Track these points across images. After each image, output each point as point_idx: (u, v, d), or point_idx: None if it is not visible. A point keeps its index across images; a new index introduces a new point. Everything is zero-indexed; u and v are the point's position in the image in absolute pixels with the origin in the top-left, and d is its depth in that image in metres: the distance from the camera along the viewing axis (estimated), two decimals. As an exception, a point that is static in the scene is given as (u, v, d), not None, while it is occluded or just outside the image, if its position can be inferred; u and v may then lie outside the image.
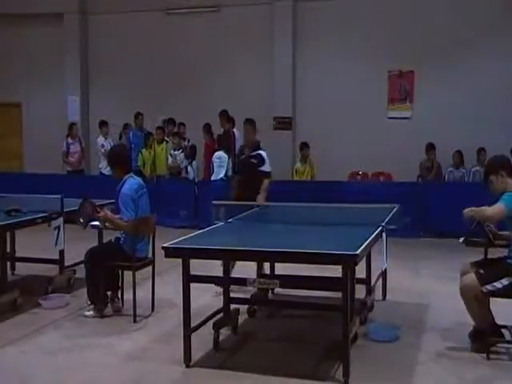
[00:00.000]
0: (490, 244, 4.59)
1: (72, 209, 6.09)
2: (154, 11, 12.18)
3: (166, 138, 10.87)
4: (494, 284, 4.32)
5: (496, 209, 4.29)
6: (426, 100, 10.89)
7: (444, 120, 10.62)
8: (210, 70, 11.92)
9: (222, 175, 9.44)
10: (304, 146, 10.54)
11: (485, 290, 4.33)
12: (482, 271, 4.43)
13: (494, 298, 4.41)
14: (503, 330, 4.60)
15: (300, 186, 10.39)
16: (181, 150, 10.55)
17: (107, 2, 12.53)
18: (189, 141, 10.98)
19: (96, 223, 5.44)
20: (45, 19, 12.71)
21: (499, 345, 4.52)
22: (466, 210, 4.39)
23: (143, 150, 10.78)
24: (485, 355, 4.39)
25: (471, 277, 4.43)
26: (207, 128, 10.72)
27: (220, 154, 9.47)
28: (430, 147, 10.16)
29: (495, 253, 4.67)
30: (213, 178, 9.55)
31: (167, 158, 10.65)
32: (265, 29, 11.55)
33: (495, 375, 4.15)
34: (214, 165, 9.47)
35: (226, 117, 10.55)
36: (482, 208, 4.34)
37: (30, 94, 13.07)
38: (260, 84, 11.62)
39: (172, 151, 10.63)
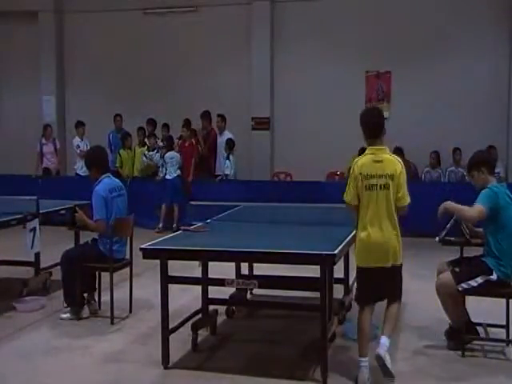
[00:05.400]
0: (466, 243, 4.65)
1: (47, 210, 6.02)
2: (131, 10, 12.07)
3: (145, 140, 10.81)
4: (470, 282, 4.39)
5: (476, 211, 4.29)
6: (403, 100, 10.99)
7: (421, 120, 10.73)
8: (187, 69, 11.85)
9: (179, 172, 9.98)
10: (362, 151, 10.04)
11: (460, 289, 4.40)
12: (457, 270, 4.49)
13: (470, 296, 4.48)
14: (478, 328, 4.67)
15: (279, 186, 10.43)
16: (156, 151, 10.50)
17: (83, 0, 12.39)
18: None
19: None
20: (19, 17, 12.51)
21: (474, 342, 4.59)
22: (443, 205, 4.43)
23: (121, 151, 10.69)
24: (460, 352, 4.45)
25: (447, 275, 4.49)
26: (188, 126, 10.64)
27: (172, 153, 10.02)
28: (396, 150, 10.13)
29: (471, 251, 4.74)
30: (168, 176, 10.00)
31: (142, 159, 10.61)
32: (243, 29, 11.54)
33: (470, 372, 4.22)
34: (167, 165, 10.02)
35: (208, 118, 10.54)
36: (462, 207, 4.36)
37: (5, 93, 12.87)
38: (238, 84, 11.60)
39: (147, 152, 10.56)
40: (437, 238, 4.65)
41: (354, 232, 4.21)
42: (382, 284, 4.12)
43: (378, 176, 3.94)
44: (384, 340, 4.04)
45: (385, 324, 4.16)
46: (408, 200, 4.08)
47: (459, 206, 4.39)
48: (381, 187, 3.95)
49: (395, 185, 3.97)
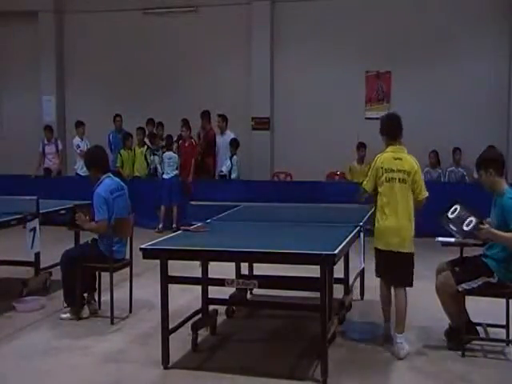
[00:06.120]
0: (466, 243, 4.64)
1: (47, 210, 6.02)
2: (131, 11, 12.07)
3: (145, 140, 10.81)
4: (470, 283, 4.39)
5: None
6: (403, 100, 10.97)
7: (420, 120, 10.72)
8: (187, 70, 11.86)
9: (176, 172, 10.03)
10: (361, 146, 10.25)
11: (460, 289, 4.40)
12: (457, 270, 4.49)
13: (469, 296, 4.48)
14: (478, 328, 4.67)
15: (279, 186, 10.43)
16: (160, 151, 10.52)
17: (83, 0, 12.38)
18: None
19: None
20: (19, 17, 12.51)
21: (474, 342, 4.60)
22: (486, 231, 4.27)
23: (122, 151, 10.69)
24: (460, 352, 4.45)
25: (447, 275, 4.49)
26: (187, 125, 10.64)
27: (170, 153, 10.09)
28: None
29: (471, 251, 4.74)
30: (165, 176, 10.07)
31: (147, 160, 10.59)
32: (243, 29, 11.53)
33: (470, 371, 4.22)
34: (165, 164, 10.05)
35: (207, 117, 10.53)
36: (506, 235, 4.22)
37: (5, 93, 12.87)
38: (238, 84, 11.60)
39: (156, 152, 10.54)
40: (438, 239, 4.70)
41: (372, 215, 4.83)
42: (391, 265, 4.54)
43: (397, 171, 4.53)
44: (400, 340, 4.47)
45: (397, 323, 4.54)
46: (425, 193, 4.58)
47: (507, 236, 4.22)
48: (399, 180, 4.52)
49: (412, 180, 4.53)
